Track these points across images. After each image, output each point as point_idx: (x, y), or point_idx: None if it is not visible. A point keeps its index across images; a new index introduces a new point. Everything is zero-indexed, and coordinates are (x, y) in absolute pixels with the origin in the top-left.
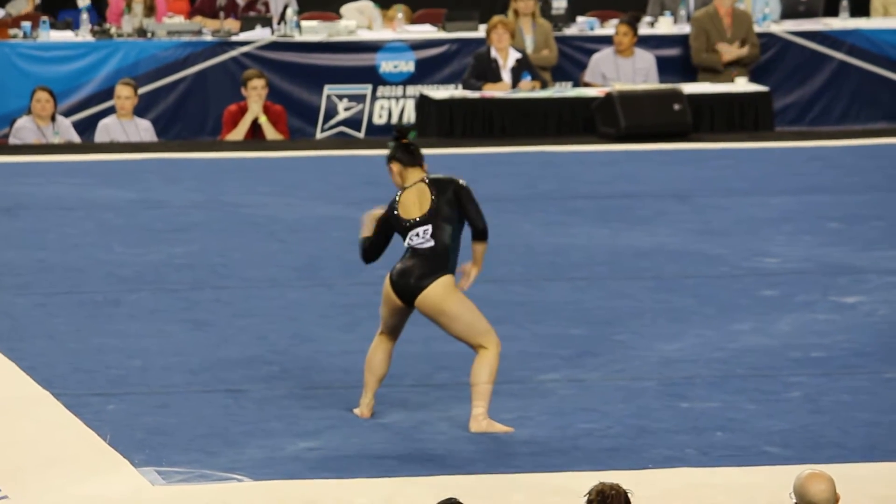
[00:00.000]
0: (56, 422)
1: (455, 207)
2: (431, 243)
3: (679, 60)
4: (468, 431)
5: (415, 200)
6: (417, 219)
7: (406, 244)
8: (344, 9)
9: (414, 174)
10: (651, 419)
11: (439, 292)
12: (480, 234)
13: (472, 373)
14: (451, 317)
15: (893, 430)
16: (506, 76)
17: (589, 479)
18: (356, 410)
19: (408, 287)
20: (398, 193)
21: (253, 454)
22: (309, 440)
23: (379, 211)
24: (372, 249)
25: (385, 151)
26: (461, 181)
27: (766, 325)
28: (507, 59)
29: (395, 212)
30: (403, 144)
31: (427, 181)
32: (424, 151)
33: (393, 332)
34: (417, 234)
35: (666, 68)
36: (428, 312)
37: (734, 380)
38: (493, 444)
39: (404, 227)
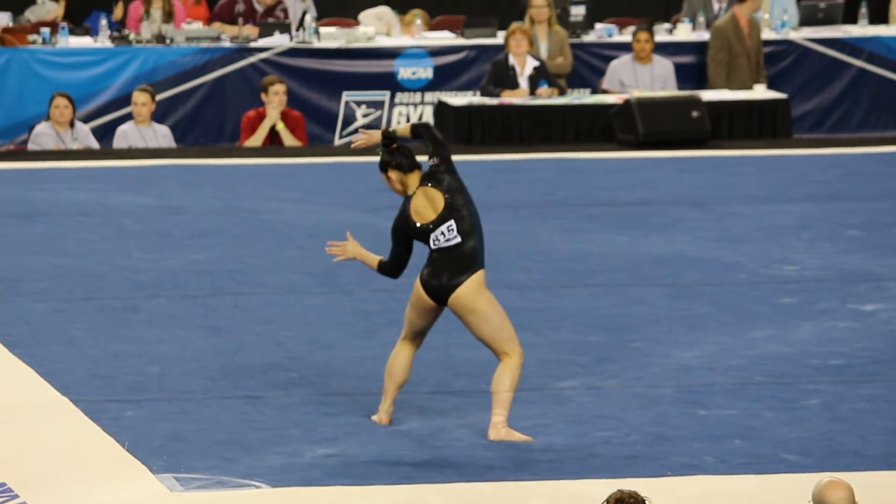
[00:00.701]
0: (74, 428)
1: (461, 188)
2: (458, 239)
3: (697, 67)
4: (486, 439)
5: (426, 204)
6: (436, 219)
7: (432, 246)
8: (362, 15)
9: (414, 178)
10: (669, 427)
11: (472, 290)
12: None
13: (493, 380)
14: (480, 316)
15: None
16: (523, 83)
17: (607, 487)
18: (374, 417)
19: (441, 287)
20: (406, 201)
21: (271, 461)
22: (327, 447)
23: (344, 243)
24: (396, 264)
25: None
26: (433, 159)
27: (784, 333)
28: (525, 67)
29: (411, 220)
30: (397, 149)
31: (426, 181)
32: None
33: (418, 336)
34: (443, 234)
35: (684, 75)
36: (459, 311)
37: (752, 387)
38: (510, 451)
39: (425, 232)
